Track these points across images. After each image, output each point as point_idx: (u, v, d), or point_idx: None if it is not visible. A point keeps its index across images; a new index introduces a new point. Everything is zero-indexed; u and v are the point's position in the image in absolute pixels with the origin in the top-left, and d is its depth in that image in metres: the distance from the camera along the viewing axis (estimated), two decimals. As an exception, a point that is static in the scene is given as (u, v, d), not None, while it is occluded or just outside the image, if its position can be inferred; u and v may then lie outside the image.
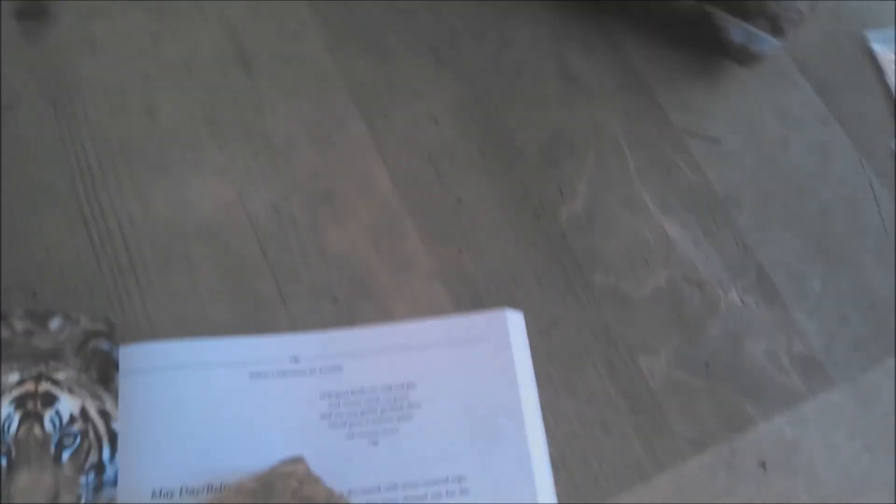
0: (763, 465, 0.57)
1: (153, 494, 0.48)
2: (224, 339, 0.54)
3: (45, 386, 0.46)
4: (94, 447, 0.47)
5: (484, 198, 0.63)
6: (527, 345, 0.57)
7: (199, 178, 0.60)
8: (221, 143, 0.62)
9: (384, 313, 0.58)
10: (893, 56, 0.73)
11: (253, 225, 0.59)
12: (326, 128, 0.64)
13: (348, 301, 0.58)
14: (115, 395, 0.50)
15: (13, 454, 0.44)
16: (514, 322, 0.57)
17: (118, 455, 0.48)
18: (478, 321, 0.57)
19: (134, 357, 0.52)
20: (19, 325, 0.47)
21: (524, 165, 0.65)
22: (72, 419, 0.46)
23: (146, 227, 0.58)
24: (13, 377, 0.45)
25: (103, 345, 0.49)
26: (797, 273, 0.64)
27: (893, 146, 0.69)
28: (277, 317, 0.57)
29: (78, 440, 0.46)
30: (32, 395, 0.46)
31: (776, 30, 0.64)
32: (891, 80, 0.71)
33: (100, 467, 0.46)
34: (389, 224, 0.61)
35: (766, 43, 0.65)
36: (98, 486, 0.46)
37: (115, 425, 0.48)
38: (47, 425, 0.46)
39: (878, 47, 0.73)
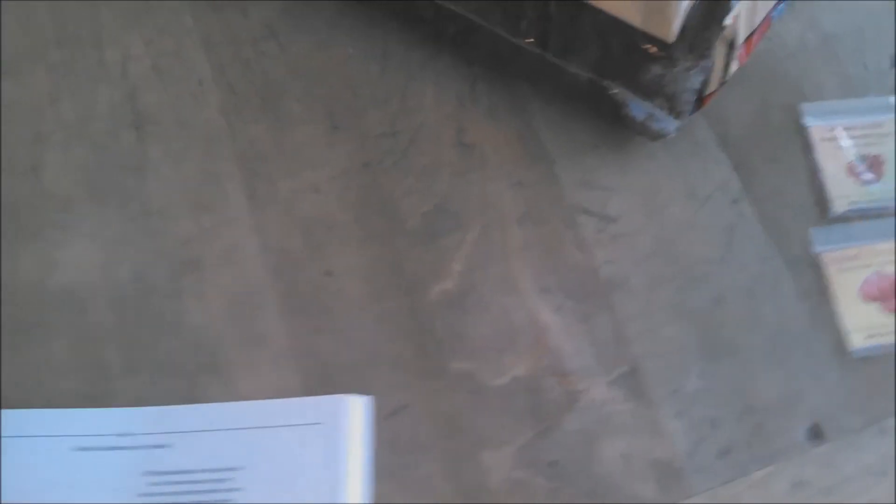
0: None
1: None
2: (53, 410, 0.56)
3: None
4: None
5: (354, 271, 0.63)
6: (368, 433, 0.57)
7: (70, 241, 0.62)
8: (98, 206, 0.64)
9: (228, 391, 0.59)
10: (827, 133, 0.68)
11: (113, 292, 0.61)
12: (206, 194, 0.65)
13: (194, 376, 0.59)
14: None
15: None
16: (356, 408, 0.57)
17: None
18: (316, 405, 0.58)
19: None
20: None
21: (403, 238, 0.64)
22: None
23: (11, 291, 0.60)
24: None
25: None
26: (674, 368, 0.61)
27: (810, 235, 0.65)
28: (119, 389, 0.58)
29: None
30: None
31: (673, 109, 0.61)
32: (820, 160, 0.67)
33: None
34: (250, 297, 0.62)
35: (667, 122, 0.62)
36: None
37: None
38: None
39: (811, 122, 0.68)
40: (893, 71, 0.71)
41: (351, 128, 0.68)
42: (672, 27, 0.58)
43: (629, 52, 0.61)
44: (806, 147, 0.68)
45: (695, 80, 0.59)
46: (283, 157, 0.67)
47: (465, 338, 0.62)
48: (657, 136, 0.65)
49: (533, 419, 0.60)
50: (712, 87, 0.63)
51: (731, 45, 0.60)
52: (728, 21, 0.58)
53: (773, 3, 0.63)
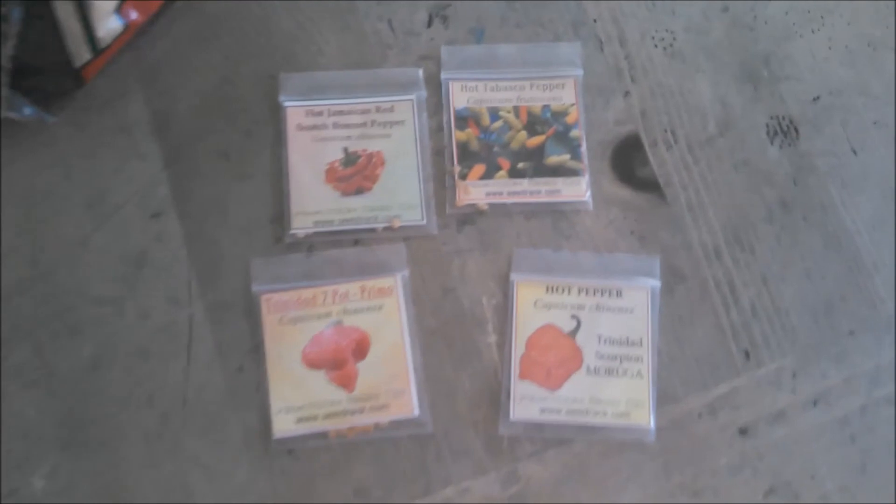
0: None
1: None
2: None
3: None
4: None
5: None
6: None
7: None
8: None
9: None
10: (307, 119, 0.48)
11: None
12: None
13: None
14: None
15: None
16: None
17: None
18: None
19: None
20: None
21: None
22: None
23: None
24: None
25: None
26: (20, 460, 0.44)
27: (250, 268, 0.46)
28: None
29: None
30: None
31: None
32: (291, 155, 0.48)
33: None
34: None
35: (16, 103, 0.42)
36: None
37: None
38: None
39: (287, 101, 0.49)
40: (428, 33, 0.50)
41: None
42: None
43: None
44: (279, 137, 0.48)
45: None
46: None
47: None
48: (33, 120, 0.45)
49: None
50: (83, 55, 0.43)
51: (82, 6, 0.39)
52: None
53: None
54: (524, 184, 0.50)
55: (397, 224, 0.49)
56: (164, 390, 0.47)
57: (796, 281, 0.50)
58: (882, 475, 0.48)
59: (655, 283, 0.49)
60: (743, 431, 0.49)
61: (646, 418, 0.48)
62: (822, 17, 0.54)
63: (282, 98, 0.50)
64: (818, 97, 0.53)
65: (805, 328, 0.50)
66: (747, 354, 0.49)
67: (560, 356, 0.48)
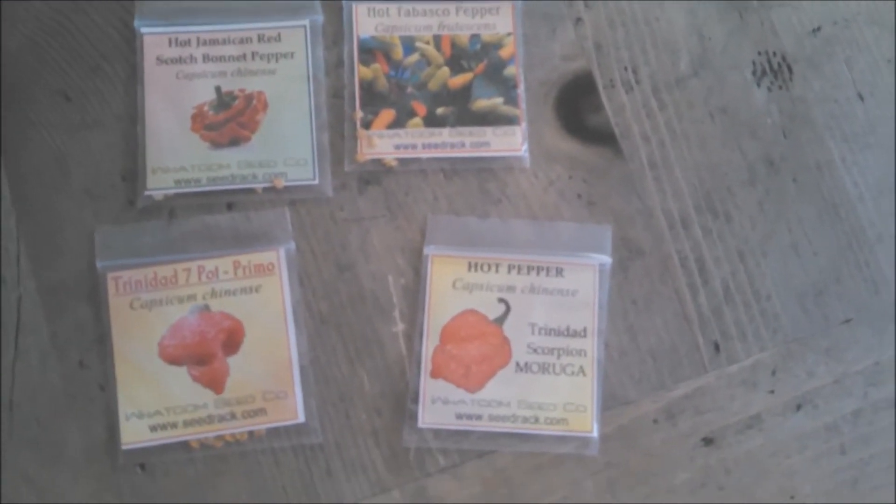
0: None
1: None
2: None
3: None
4: None
5: None
6: None
7: None
8: None
9: None
10: (168, 49, 0.42)
11: None
12: None
13: None
14: None
15: None
16: None
17: None
18: None
19: None
20: None
21: None
22: None
23: None
24: None
25: None
26: None
27: (97, 240, 0.40)
28: None
29: None
30: None
31: None
32: (148, 95, 0.42)
33: None
34: None
35: None
36: None
37: None
38: None
39: (145, 26, 0.44)
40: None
41: None
42: None
43: None
44: (134, 73, 0.42)
45: None
46: None
47: None
48: None
49: None
50: None
51: None
52: None
53: None
54: (444, 134, 0.45)
55: (281, 184, 0.45)
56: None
57: (781, 258, 0.47)
58: (878, 494, 0.45)
59: (606, 259, 0.46)
60: (708, 441, 0.45)
61: (588, 425, 0.44)
62: (830, -79, 0.48)
63: (138, 23, 0.45)
64: (819, 28, 0.49)
65: (790, 316, 0.46)
66: (717, 347, 0.46)
67: (483, 350, 0.45)
